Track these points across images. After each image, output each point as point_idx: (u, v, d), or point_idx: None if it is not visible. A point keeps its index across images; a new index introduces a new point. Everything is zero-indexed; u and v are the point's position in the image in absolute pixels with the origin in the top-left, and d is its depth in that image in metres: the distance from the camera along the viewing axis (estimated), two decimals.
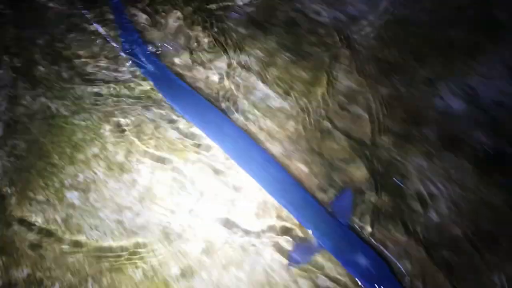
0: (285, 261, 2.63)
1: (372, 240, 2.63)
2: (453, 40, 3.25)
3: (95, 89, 3.17)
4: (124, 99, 3.11)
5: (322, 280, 2.53)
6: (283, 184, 2.79)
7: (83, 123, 3.11)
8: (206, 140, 3.02)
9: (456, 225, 2.66)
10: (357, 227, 2.70)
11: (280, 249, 2.69)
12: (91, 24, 3.43)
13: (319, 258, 2.66)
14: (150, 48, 3.27)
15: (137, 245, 2.72)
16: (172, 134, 3.05)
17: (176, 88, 3.15)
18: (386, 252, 2.62)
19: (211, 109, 3.05)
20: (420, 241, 2.69)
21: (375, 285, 2.50)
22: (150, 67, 3.27)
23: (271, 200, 2.78)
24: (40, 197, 2.88)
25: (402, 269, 2.56)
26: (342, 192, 2.78)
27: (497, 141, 2.80)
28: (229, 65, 3.28)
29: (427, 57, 3.22)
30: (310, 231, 2.70)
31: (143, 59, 3.30)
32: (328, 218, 2.68)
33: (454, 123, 2.91)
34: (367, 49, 3.30)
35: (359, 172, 2.86)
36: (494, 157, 2.75)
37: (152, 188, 2.87)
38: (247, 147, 2.91)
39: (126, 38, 3.44)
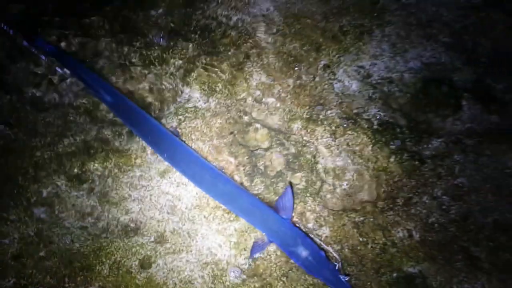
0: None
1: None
2: (343, 27, 3.63)
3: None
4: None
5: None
6: (230, 194, 3.12)
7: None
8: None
9: (361, 191, 3.17)
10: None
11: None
12: None
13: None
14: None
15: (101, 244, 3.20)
16: (118, 144, 3.47)
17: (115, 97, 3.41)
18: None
19: (146, 119, 3.32)
20: (332, 209, 3.23)
21: (315, 273, 2.97)
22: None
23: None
24: (13, 217, 3.27)
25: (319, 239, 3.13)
26: (284, 191, 3.16)
27: (387, 113, 3.26)
28: (157, 75, 3.60)
29: (323, 46, 3.59)
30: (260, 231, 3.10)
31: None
32: (274, 217, 3.05)
33: (351, 102, 3.32)
34: (273, 45, 3.63)
35: (277, 158, 3.35)
36: (387, 128, 3.21)
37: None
38: (188, 158, 3.23)
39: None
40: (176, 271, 3.06)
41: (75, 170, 3.32)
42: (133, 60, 3.48)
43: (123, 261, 3.09)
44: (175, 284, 3.03)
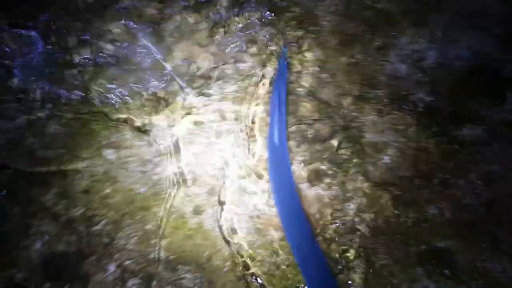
0: None
1: None
2: (402, 11, 3.81)
3: None
4: None
5: None
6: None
7: None
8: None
9: (401, 167, 3.41)
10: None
11: None
12: None
13: None
14: None
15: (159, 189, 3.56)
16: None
17: None
18: None
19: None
20: (372, 181, 3.47)
21: None
22: None
23: None
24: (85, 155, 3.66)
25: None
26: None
27: (432, 97, 3.47)
28: None
29: (379, 28, 3.79)
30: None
31: None
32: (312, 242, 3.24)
33: (399, 84, 3.54)
34: (331, 24, 3.85)
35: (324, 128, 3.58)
36: (430, 112, 3.43)
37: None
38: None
39: None
40: (224, 220, 3.28)
41: (143, 123, 3.55)
42: None
43: (178, 207, 3.34)
44: (223, 230, 3.27)
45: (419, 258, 3.17)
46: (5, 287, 3.33)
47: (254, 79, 3.74)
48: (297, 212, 3.36)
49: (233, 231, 3.36)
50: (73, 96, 3.78)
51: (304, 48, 3.74)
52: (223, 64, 3.83)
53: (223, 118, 3.65)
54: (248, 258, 3.36)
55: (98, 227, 3.47)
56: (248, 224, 3.40)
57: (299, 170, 3.49)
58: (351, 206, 3.33)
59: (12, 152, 3.61)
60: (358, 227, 3.29)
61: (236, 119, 3.64)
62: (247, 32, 3.87)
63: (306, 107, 3.53)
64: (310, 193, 3.39)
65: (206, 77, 3.82)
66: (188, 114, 3.69)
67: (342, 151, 3.40)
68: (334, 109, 3.52)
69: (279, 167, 3.48)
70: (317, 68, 3.64)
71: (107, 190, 3.53)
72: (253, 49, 3.83)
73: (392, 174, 3.33)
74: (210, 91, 3.73)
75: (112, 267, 3.39)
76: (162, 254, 3.40)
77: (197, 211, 3.43)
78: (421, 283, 3.15)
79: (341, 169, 3.40)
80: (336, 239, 3.32)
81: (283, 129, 3.52)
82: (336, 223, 3.32)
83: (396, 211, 3.25)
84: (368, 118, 3.47)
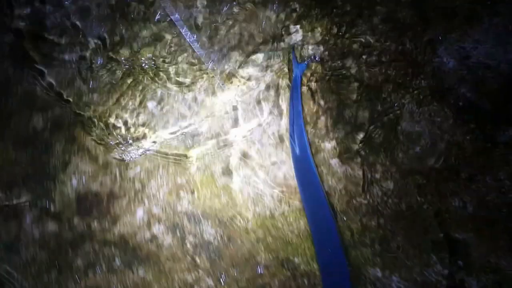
0: None
1: None
2: (456, 7, 3.80)
3: None
4: None
5: None
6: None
7: None
8: None
9: (431, 158, 3.49)
10: None
11: None
12: None
13: None
14: None
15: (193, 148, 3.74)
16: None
17: None
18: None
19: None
20: (401, 167, 3.58)
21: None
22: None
23: None
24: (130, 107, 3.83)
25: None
26: None
27: (475, 95, 3.52)
28: None
29: (432, 21, 3.81)
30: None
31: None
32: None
33: (444, 78, 3.59)
34: (386, 10, 3.89)
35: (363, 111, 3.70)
36: (470, 109, 3.48)
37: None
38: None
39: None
40: (251, 185, 3.42)
41: (186, 80, 3.72)
42: None
43: (209, 165, 3.50)
44: (249, 194, 3.41)
45: (436, 245, 3.25)
46: (40, 216, 3.53)
47: None
48: (326, 223, 3.45)
49: (258, 196, 3.47)
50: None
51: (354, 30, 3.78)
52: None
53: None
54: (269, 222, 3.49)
55: (132, 173, 3.63)
56: (271, 191, 3.52)
57: (332, 146, 3.55)
58: (377, 188, 3.38)
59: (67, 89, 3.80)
60: (380, 208, 3.36)
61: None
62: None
63: (348, 89, 3.59)
64: (340, 170, 3.46)
65: None
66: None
67: (376, 135, 3.45)
68: (375, 93, 3.57)
69: (306, 179, 3.58)
70: (366, 50, 3.67)
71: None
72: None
73: (421, 164, 3.42)
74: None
75: (140, 212, 3.56)
76: (189, 207, 3.53)
77: (227, 172, 3.55)
78: (434, 269, 3.20)
79: (372, 152, 3.44)
80: (357, 217, 3.40)
81: (304, 141, 3.62)
82: (360, 202, 3.40)
83: (420, 198, 3.30)
84: (407, 106, 3.51)
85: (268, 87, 3.73)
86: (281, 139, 3.66)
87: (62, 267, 3.45)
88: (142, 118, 3.78)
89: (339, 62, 3.88)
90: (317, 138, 3.67)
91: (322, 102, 3.65)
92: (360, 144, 3.63)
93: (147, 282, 3.37)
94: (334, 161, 3.54)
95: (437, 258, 3.24)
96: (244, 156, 3.62)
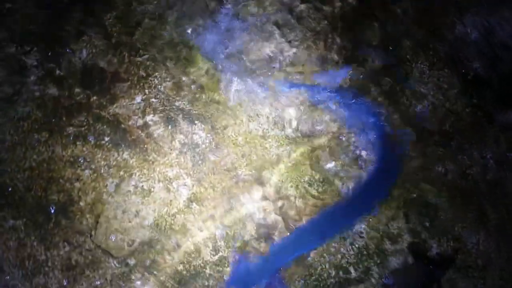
0: None
1: None
2: None
3: None
4: None
5: None
6: None
7: None
8: None
9: (428, 121, 3.60)
10: None
11: None
12: None
13: None
14: None
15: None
16: None
17: None
18: None
19: None
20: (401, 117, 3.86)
21: None
22: None
23: None
24: None
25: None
26: None
27: (487, 72, 3.59)
28: None
29: None
30: None
31: None
32: None
33: (462, 47, 3.65)
34: None
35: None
36: (478, 84, 3.57)
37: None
38: None
39: None
40: (251, 101, 3.53)
41: None
42: None
43: (215, 73, 3.58)
44: (247, 109, 3.53)
45: (407, 202, 3.37)
46: (44, 77, 3.63)
47: None
48: None
49: (255, 112, 3.58)
50: None
51: None
52: None
53: None
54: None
55: (140, 59, 3.72)
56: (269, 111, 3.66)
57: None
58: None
59: None
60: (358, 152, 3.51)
61: None
62: None
63: (369, 33, 3.65)
64: None
65: None
66: None
67: (383, 85, 3.54)
68: (393, 43, 3.63)
69: None
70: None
71: (160, 32, 3.76)
72: None
73: (417, 122, 3.48)
74: None
75: (139, 98, 3.68)
76: (187, 106, 3.64)
77: (227, 84, 3.66)
78: (399, 224, 3.37)
79: (382, 96, 3.56)
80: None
81: None
82: (341, 139, 3.54)
83: (408, 152, 3.43)
84: (419, 65, 3.58)
85: None
86: None
87: (53, 131, 3.60)
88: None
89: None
90: None
91: (338, 40, 3.70)
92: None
93: (129, 166, 3.50)
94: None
95: (405, 214, 3.38)
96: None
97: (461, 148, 3.68)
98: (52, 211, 3.48)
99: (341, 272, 3.38)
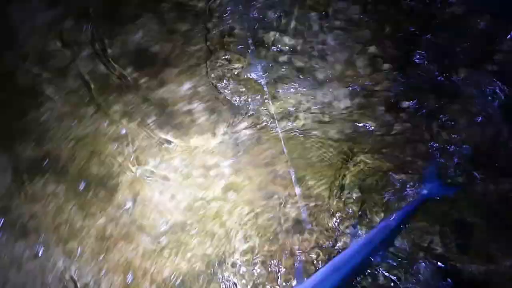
0: None
1: None
2: None
3: None
4: None
5: None
6: None
7: None
8: None
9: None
10: None
11: None
12: None
13: None
14: None
15: None
16: None
17: None
18: None
19: None
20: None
21: None
22: None
23: None
24: None
25: None
26: None
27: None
28: None
29: None
30: None
31: None
32: None
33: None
34: None
35: None
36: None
37: None
38: None
39: None
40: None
41: None
42: None
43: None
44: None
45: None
46: (95, 54, 3.74)
47: None
48: None
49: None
50: None
51: None
52: None
53: None
54: None
55: (193, 48, 3.83)
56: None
57: None
58: None
59: None
60: None
61: None
62: None
63: None
64: None
65: None
66: None
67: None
68: None
69: None
70: None
71: None
72: None
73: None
74: None
75: (187, 86, 3.78)
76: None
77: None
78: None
79: None
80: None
81: None
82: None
83: None
84: None
85: None
86: None
87: (101, 107, 3.67)
88: None
89: None
90: None
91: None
92: None
93: (170, 149, 3.56)
94: None
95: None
96: None
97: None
98: (93, 182, 3.56)
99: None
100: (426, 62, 3.69)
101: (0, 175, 3.34)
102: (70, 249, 3.17)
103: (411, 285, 3.12)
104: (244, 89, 3.78)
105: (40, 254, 3.15)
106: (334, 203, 3.28)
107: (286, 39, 3.92)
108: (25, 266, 3.13)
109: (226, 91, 3.83)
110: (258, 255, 3.20)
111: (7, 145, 3.46)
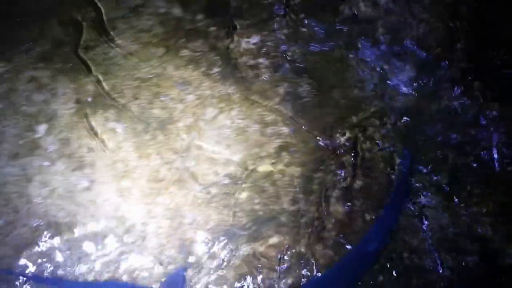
0: None
1: None
2: None
3: None
4: None
5: None
6: None
7: None
8: None
9: None
10: None
11: None
12: None
13: None
14: None
15: None
16: None
17: None
18: None
19: None
20: None
21: None
22: None
23: None
24: None
25: None
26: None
27: None
28: None
29: None
30: None
31: None
32: None
33: None
34: None
35: None
36: None
37: None
38: None
39: None
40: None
41: None
42: None
43: None
44: None
45: None
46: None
47: None
48: None
49: None
50: None
51: None
52: None
53: None
54: None
55: (265, 1, 3.78)
56: None
57: None
58: None
59: None
60: None
61: None
62: None
63: None
64: None
65: None
66: None
67: None
68: None
69: None
70: None
71: None
72: None
73: None
74: None
75: (255, 39, 3.84)
76: (299, 58, 3.74)
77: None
78: None
79: None
80: None
81: None
82: None
83: None
84: None
85: None
86: None
87: (170, 49, 3.81)
88: None
89: None
90: None
91: None
92: None
93: (231, 100, 3.59)
94: None
95: None
96: None
97: None
98: (152, 124, 3.62)
99: None
100: None
101: (63, 106, 3.38)
102: (122, 187, 3.26)
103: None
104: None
105: (93, 188, 3.20)
106: None
107: None
108: (78, 196, 3.22)
109: (295, 50, 3.78)
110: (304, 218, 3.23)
111: (72, 76, 3.50)
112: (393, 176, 3.44)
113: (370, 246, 3.25)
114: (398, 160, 3.49)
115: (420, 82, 3.73)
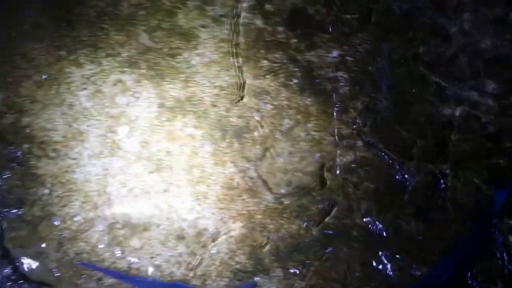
0: None
1: None
2: None
3: None
4: None
5: None
6: None
7: None
8: None
9: None
10: None
11: None
12: None
13: None
14: None
15: None
16: None
17: None
18: None
19: None
20: None
21: None
22: None
23: None
24: None
25: None
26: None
27: None
28: None
29: None
30: None
31: None
32: None
33: None
34: None
35: None
36: None
37: None
38: None
39: None
40: None
41: None
42: None
43: None
44: None
45: None
46: (256, 7, 3.82)
47: None
48: None
49: None
50: None
51: None
52: None
53: None
54: None
55: (348, 16, 3.82)
56: None
57: None
58: None
59: None
60: None
61: None
62: None
63: None
64: None
65: None
66: None
67: None
68: None
69: None
70: None
71: None
72: None
73: None
74: None
75: (335, 53, 3.90)
76: (379, 73, 3.67)
77: None
78: None
79: None
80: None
81: None
82: None
83: None
84: None
85: None
86: None
87: (249, 59, 3.78)
88: None
89: None
90: None
91: None
92: None
93: (308, 112, 3.67)
94: None
95: None
96: None
97: None
98: (229, 132, 3.66)
99: None
100: None
101: (146, 109, 3.49)
102: (198, 191, 3.34)
103: None
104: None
105: (169, 191, 3.28)
106: None
107: None
108: (154, 198, 3.32)
109: (375, 65, 3.76)
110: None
111: (156, 81, 3.60)
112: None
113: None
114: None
115: None
